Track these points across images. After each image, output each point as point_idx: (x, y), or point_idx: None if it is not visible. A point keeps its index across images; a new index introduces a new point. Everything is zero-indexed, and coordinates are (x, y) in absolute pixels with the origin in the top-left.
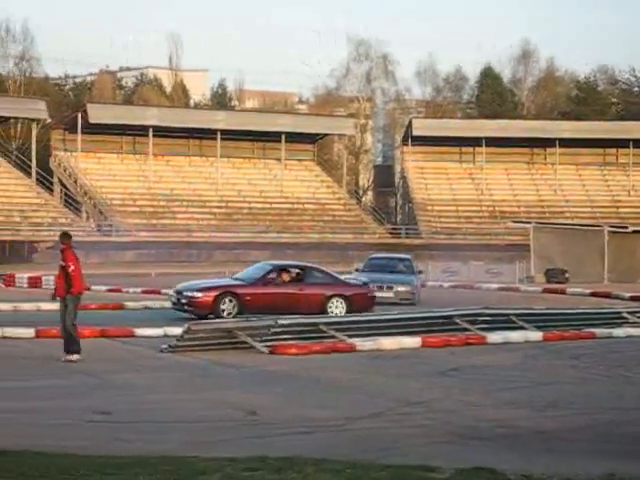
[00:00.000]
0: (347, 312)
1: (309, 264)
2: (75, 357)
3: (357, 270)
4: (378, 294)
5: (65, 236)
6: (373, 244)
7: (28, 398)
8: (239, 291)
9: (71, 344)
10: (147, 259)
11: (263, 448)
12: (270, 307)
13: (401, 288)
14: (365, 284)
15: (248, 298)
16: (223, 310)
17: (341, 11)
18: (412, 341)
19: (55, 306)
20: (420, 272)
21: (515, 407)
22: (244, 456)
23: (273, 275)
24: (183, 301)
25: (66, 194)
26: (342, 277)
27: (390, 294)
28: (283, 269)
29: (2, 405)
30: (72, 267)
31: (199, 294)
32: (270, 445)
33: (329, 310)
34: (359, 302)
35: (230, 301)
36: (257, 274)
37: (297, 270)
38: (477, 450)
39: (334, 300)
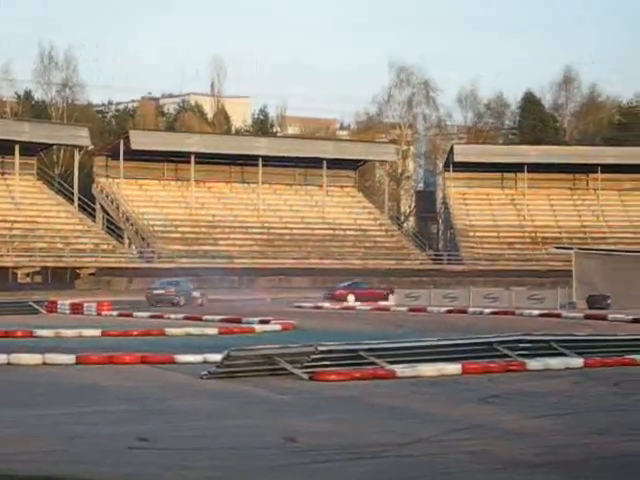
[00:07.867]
0: None
1: None
2: None
3: None
4: None
5: None
6: (415, 270)
7: (73, 424)
8: None
9: None
10: None
11: (306, 476)
12: None
13: None
14: None
15: None
16: None
17: (383, 38)
18: (452, 368)
19: (95, 332)
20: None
21: (561, 434)
22: None
23: None
24: None
25: (108, 220)
26: None
27: None
28: None
29: (45, 431)
30: None
31: None
32: (314, 473)
33: None
34: None
35: None
36: None
37: None
38: (531, 477)
39: None
